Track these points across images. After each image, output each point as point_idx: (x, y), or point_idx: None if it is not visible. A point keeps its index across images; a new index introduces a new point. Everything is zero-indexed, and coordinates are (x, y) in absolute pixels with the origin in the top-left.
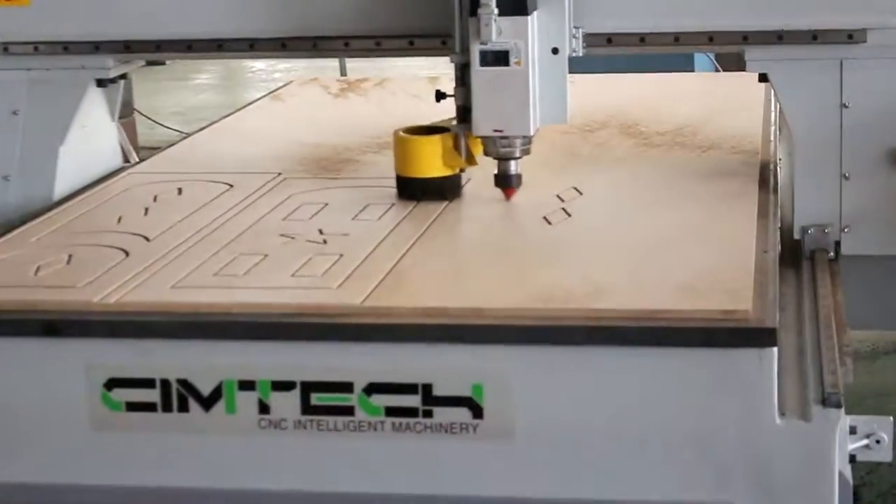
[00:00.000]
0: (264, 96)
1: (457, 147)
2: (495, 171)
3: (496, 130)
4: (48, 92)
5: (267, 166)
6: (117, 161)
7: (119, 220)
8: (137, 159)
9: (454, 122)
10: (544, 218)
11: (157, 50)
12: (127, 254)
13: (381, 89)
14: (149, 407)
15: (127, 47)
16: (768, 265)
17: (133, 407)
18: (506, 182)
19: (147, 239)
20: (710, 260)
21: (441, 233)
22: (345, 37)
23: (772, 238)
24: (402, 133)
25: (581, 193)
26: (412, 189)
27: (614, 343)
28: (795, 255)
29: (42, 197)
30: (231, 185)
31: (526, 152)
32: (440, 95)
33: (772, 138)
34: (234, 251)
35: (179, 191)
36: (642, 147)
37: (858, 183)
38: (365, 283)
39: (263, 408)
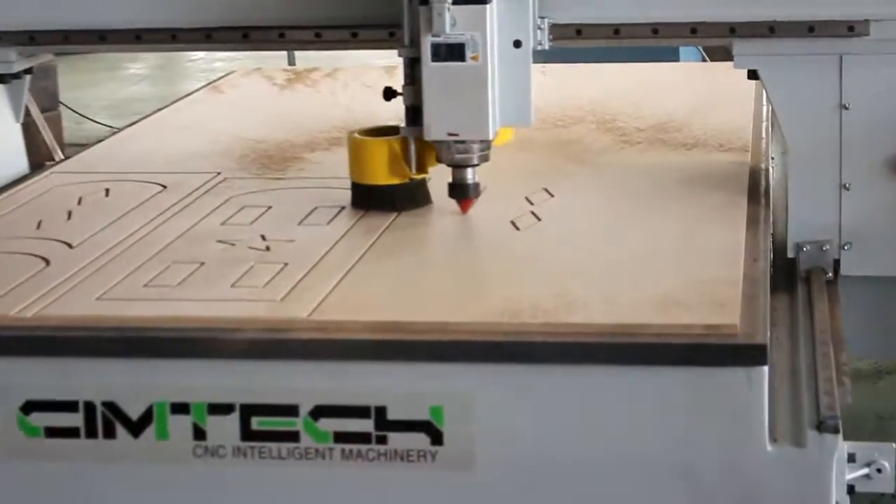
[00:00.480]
0: (203, 87)
1: (405, 153)
2: (449, 180)
3: (450, 134)
4: None
5: (205, 165)
6: (22, 166)
7: (39, 224)
8: (62, 157)
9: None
10: (511, 223)
11: (65, 41)
12: (47, 262)
13: (331, 80)
14: (71, 433)
15: (31, 38)
16: (758, 275)
17: (53, 433)
18: (462, 192)
19: (70, 246)
20: (694, 270)
21: (397, 240)
22: (279, 27)
23: (762, 246)
24: (356, 134)
25: (552, 196)
26: (359, 196)
27: (587, 361)
28: (790, 275)
29: None
30: (165, 186)
31: (484, 159)
32: (390, 93)
33: (763, 135)
34: (167, 259)
35: (107, 192)
36: (621, 144)
37: (860, 194)
38: (312, 295)
39: (199, 433)
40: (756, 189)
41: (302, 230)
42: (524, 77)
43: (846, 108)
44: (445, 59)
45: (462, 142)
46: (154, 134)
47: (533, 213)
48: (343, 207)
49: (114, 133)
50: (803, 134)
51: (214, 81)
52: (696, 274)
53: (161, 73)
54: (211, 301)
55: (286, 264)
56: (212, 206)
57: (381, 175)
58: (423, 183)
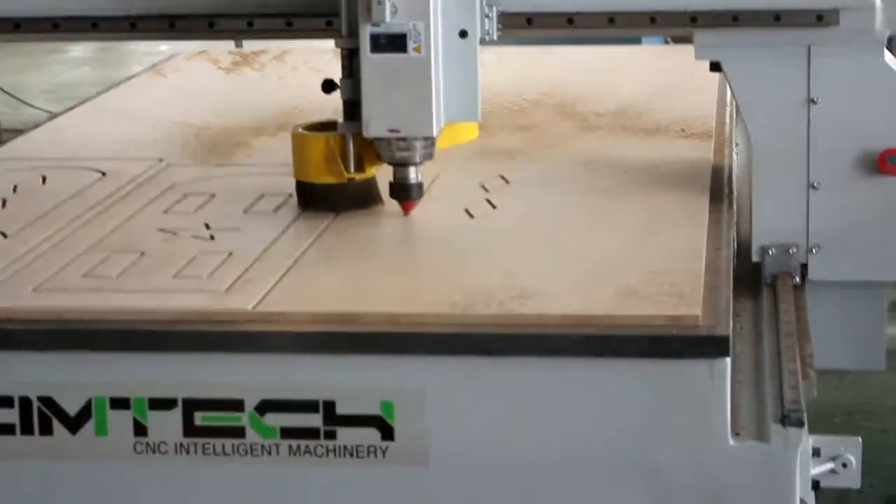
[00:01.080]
0: (145, 71)
1: (343, 150)
2: (390, 180)
3: (391, 130)
4: None
5: (146, 151)
6: None
7: None
8: None
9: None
10: (466, 210)
11: None
12: None
13: (280, 63)
14: (6, 429)
15: None
16: (721, 265)
17: None
18: (404, 193)
19: (4, 235)
20: (655, 259)
21: (346, 228)
22: (209, 15)
23: (725, 235)
24: (300, 128)
25: (508, 182)
26: (301, 195)
27: (543, 353)
28: (754, 280)
29: None
30: (104, 173)
31: (427, 157)
32: (329, 85)
33: (727, 120)
34: (107, 249)
35: (44, 179)
36: (580, 130)
37: (829, 194)
38: (257, 286)
39: (140, 429)
40: (719, 176)
41: (248, 219)
42: (471, 69)
43: (814, 103)
44: (386, 51)
45: (404, 139)
46: (94, 119)
47: (488, 200)
48: (291, 195)
49: (51, 118)
50: (769, 130)
51: (157, 65)
52: (657, 264)
53: (104, 56)
54: (152, 292)
55: (231, 254)
56: (153, 194)
57: (319, 172)
58: (371, 182)
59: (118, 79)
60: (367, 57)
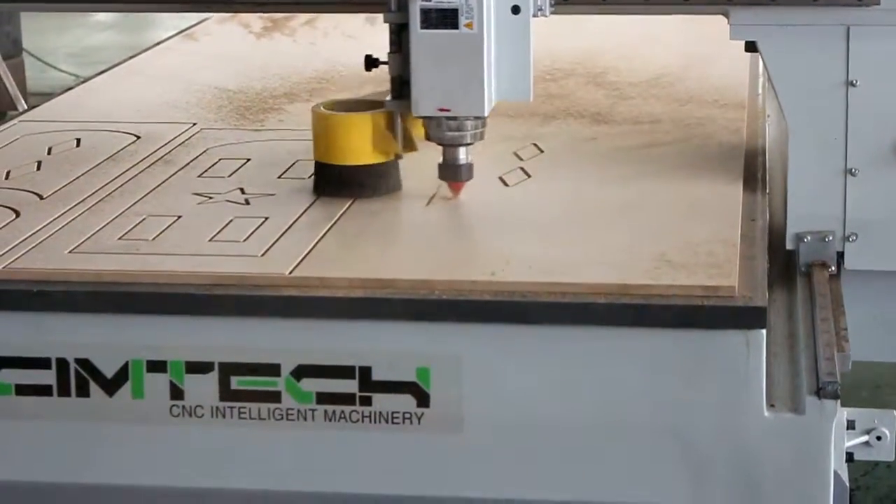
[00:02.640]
0: (175, 35)
1: (391, 129)
2: (440, 161)
3: (441, 109)
4: None
5: (179, 115)
6: None
7: (7, 175)
8: (25, 106)
9: (388, 98)
10: (500, 179)
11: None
12: (17, 214)
13: (310, 28)
14: (43, 390)
15: None
16: (756, 235)
17: (25, 390)
18: (453, 174)
19: (40, 197)
20: (690, 229)
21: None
22: None
23: (760, 206)
24: (321, 108)
25: (542, 151)
26: (328, 179)
27: (579, 322)
28: (788, 269)
29: None
30: (138, 137)
31: (478, 137)
32: (371, 62)
33: (760, 90)
34: (142, 212)
35: (78, 142)
36: (613, 99)
37: (867, 180)
38: (294, 251)
39: (176, 392)
40: (753, 147)
41: (282, 183)
42: (523, 46)
43: (853, 85)
44: (436, 27)
45: (454, 118)
46: (126, 83)
47: (522, 168)
48: None
49: (83, 81)
50: (805, 113)
51: (187, 29)
52: (693, 234)
53: (128, 21)
54: (188, 256)
55: (266, 218)
56: (188, 158)
57: (360, 154)
58: (394, 165)
59: (143, 43)
60: (416, 33)
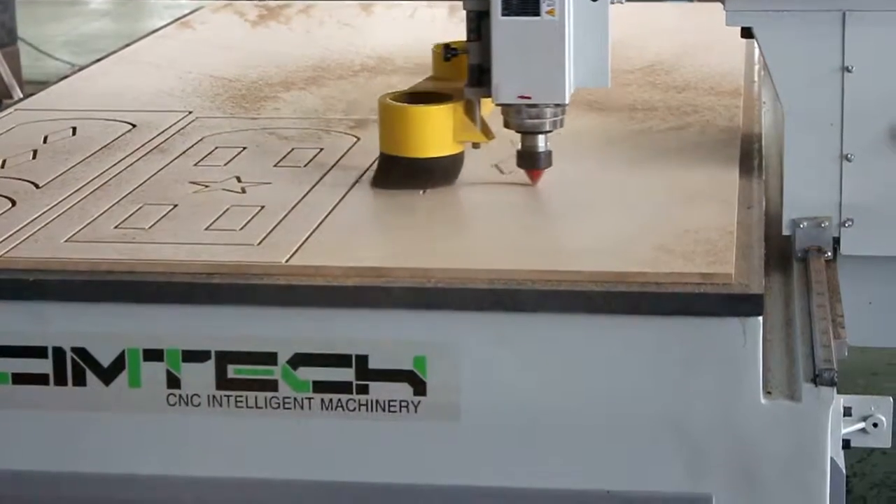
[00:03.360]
0: (171, 23)
1: (470, 116)
2: (518, 148)
3: (522, 97)
4: None
5: (175, 104)
6: None
7: (3, 163)
8: (20, 94)
9: (464, 86)
10: (496, 166)
11: None
12: (13, 202)
13: (306, 17)
14: (39, 379)
15: None
16: (753, 223)
17: (21, 379)
18: (532, 161)
19: (36, 186)
20: (687, 217)
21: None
22: None
23: (756, 193)
24: (390, 100)
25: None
26: (414, 172)
27: (575, 310)
28: (785, 255)
29: None
30: (134, 125)
31: (558, 125)
32: (450, 52)
33: (755, 78)
34: (139, 201)
35: (73, 130)
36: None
37: (863, 166)
38: (290, 240)
39: (172, 381)
40: (749, 134)
41: (279, 172)
42: (602, 34)
43: (849, 71)
44: (518, 14)
45: (534, 106)
46: (121, 71)
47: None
48: (322, 149)
49: (78, 70)
50: (801, 99)
51: (182, 17)
52: (690, 221)
53: (123, 9)
54: (185, 244)
55: (263, 207)
56: (183, 147)
57: (439, 146)
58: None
59: (139, 31)
60: (498, 20)
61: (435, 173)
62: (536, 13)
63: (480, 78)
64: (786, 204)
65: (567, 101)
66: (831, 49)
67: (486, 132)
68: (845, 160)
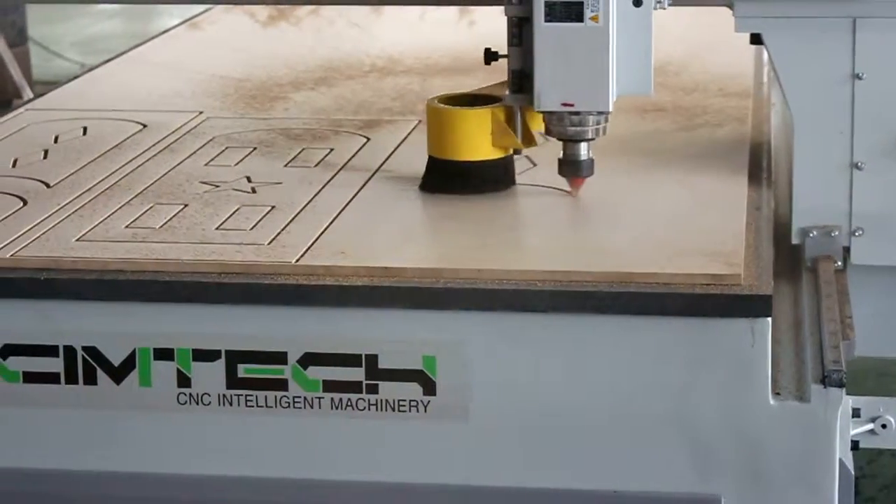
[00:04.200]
0: (181, 23)
1: (510, 123)
2: (559, 156)
3: (565, 104)
4: None
5: (185, 104)
6: None
7: (14, 163)
8: (31, 95)
9: (506, 92)
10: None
11: None
12: (24, 202)
13: (316, 17)
14: (50, 378)
15: None
16: (761, 224)
17: (32, 378)
18: (574, 170)
19: (47, 185)
20: (695, 217)
21: (390, 180)
22: None
23: (765, 194)
24: (437, 102)
25: (548, 140)
26: (446, 175)
27: (584, 310)
28: (794, 263)
29: None
30: (144, 125)
31: (601, 132)
32: (490, 56)
33: (764, 80)
34: (149, 200)
35: (84, 130)
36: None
37: (873, 174)
38: (300, 240)
39: (183, 380)
40: (758, 136)
41: (289, 172)
42: (645, 40)
43: (859, 78)
44: (561, 20)
45: (577, 113)
46: (132, 71)
47: (528, 157)
48: (332, 149)
49: (89, 70)
50: (811, 107)
51: (193, 17)
52: (698, 222)
53: (134, 9)
54: (195, 244)
55: (273, 207)
56: (194, 147)
57: (480, 150)
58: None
59: (148, 32)
60: (540, 26)
61: (476, 177)
62: (580, 19)
63: (522, 84)
64: (795, 212)
65: (611, 109)
66: (841, 56)
67: (529, 139)
68: (855, 168)
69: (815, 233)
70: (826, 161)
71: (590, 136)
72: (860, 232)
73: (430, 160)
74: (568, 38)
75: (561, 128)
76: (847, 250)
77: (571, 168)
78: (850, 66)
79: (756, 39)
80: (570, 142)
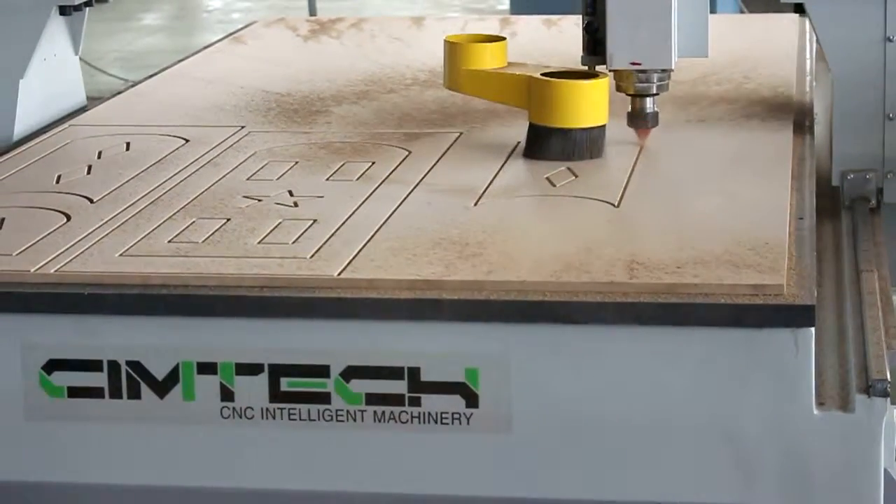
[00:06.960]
0: (223, 38)
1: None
2: (628, 110)
3: (633, 63)
4: (6, 20)
5: (228, 118)
6: (81, 98)
7: (58, 179)
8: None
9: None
10: (547, 179)
11: None
12: (68, 217)
13: (357, 31)
14: (94, 392)
15: None
16: (804, 234)
17: (76, 392)
18: (642, 122)
19: (91, 200)
20: (737, 226)
21: (430, 190)
22: None
23: (808, 203)
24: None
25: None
26: (572, 141)
27: (627, 322)
28: (834, 204)
29: (2, 136)
30: (187, 140)
31: (664, 88)
32: (590, 28)
33: (807, 88)
34: (192, 215)
35: (127, 146)
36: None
37: None
38: (342, 253)
39: (226, 394)
40: (800, 140)
41: (331, 185)
42: (702, 6)
43: (891, 41)
44: None
45: (643, 71)
46: (174, 86)
47: (569, 168)
48: (374, 162)
49: (132, 85)
50: (848, 67)
51: (235, 32)
52: (741, 232)
53: (177, 24)
54: (238, 258)
55: (315, 221)
56: (236, 161)
57: (593, 116)
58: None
59: (191, 47)
60: None
61: (584, 143)
62: None
63: (595, 48)
64: (835, 157)
65: (673, 67)
66: (875, 22)
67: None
68: (888, 119)
69: (852, 175)
70: (862, 113)
71: (654, 91)
72: (892, 175)
73: (537, 128)
74: (636, 4)
75: (629, 84)
76: (880, 191)
77: (639, 120)
78: (882, 30)
79: (800, 9)
80: (638, 97)
